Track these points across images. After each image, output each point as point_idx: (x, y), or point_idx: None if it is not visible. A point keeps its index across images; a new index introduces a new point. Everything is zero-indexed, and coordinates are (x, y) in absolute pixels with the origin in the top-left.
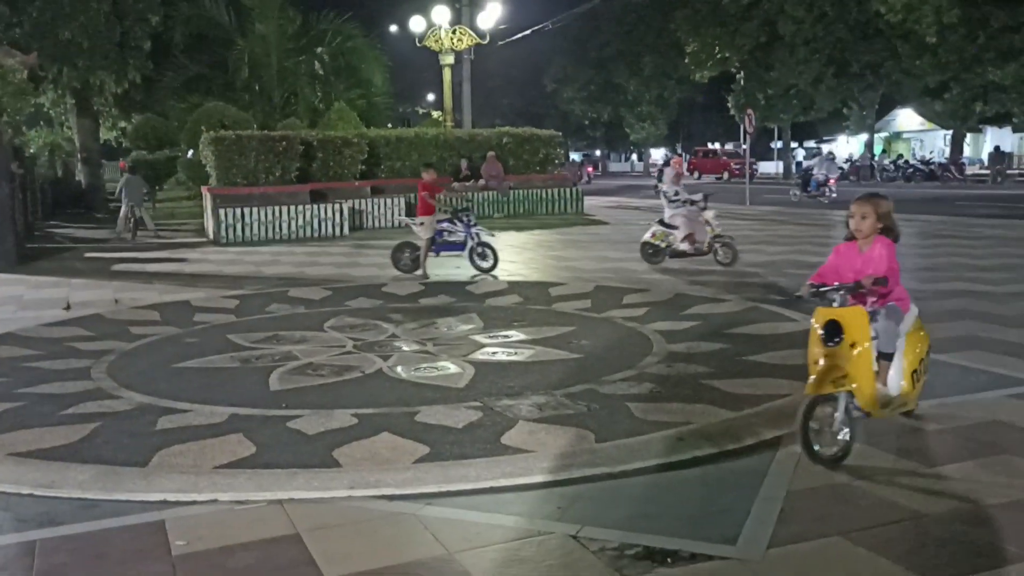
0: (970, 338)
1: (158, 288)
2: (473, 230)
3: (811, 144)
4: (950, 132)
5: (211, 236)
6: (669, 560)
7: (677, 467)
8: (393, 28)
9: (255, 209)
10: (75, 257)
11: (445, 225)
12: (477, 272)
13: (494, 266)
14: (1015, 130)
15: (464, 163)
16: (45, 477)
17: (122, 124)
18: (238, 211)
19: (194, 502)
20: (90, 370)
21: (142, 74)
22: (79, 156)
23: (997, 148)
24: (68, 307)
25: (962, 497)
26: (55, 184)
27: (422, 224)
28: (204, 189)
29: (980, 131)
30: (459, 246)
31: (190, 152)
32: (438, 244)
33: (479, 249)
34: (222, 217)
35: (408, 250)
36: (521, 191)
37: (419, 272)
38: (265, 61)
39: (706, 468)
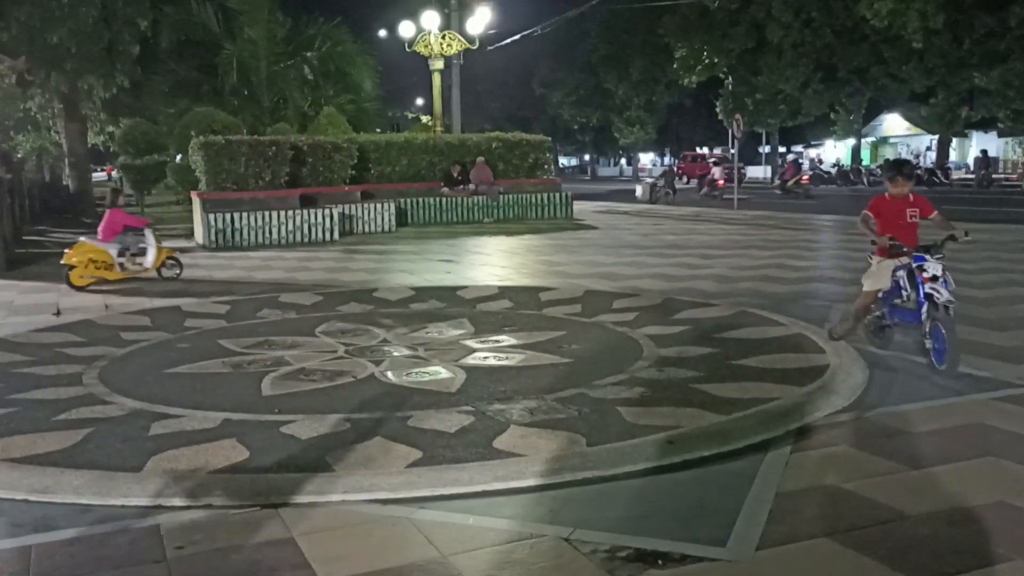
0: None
1: (148, 293)
2: (926, 287)
3: (799, 148)
4: (936, 137)
5: (200, 241)
6: (660, 562)
7: (667, 470)
8: (382, 33)
9: (245, 214)
10: None
11: (901, 274)
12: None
13: (950, 355)
14: (1000, 135)
15: (456, 168)
16: (40, 482)
17: (110, 129)
18: (228, 216)
19: (189, 507)
20: (82, 375)
21: (130, 78)
22: (67, 161)
23: (984, 152)
24: (58, 312)
25: (947, 498)
26: (43, 189)
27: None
28: (193, 194)
29: (966, 136)
30: (915, 315)
31: (179, 157)
32: (892, 307)
33: (931, 323)
34: (212, 222)
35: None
36: (511, 196)
37: (838, 340)
38: (254, 65)
39: (696, 471)
